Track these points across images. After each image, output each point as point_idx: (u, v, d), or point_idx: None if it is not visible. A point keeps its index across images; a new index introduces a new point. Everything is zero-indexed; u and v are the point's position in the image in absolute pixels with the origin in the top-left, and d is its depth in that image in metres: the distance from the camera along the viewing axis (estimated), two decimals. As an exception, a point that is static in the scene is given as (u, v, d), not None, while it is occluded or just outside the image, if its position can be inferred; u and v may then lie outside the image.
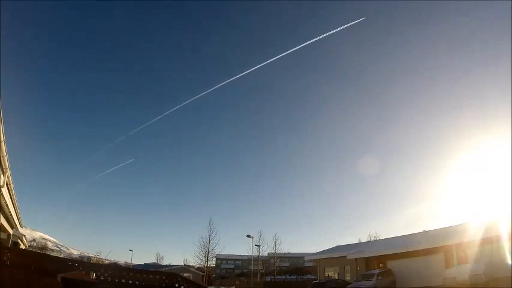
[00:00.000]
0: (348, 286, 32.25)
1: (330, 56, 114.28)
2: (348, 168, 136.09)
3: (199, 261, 62.59)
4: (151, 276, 13.59)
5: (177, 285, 13.42)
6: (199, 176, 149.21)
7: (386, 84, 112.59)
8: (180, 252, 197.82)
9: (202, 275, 68.03)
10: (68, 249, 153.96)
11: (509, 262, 20.95)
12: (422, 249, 31.06)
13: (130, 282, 12.68)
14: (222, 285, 69.37)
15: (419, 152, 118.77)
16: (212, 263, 77.78)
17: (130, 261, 78.93)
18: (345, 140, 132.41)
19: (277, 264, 70.38)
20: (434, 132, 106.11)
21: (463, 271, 24.49)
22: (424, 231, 40.07)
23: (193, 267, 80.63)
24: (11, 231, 27.08)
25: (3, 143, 12.22)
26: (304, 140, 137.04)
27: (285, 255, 76.90)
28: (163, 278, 13.51)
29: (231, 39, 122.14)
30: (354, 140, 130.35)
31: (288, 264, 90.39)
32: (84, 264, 14.91)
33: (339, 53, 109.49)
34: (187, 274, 66.50)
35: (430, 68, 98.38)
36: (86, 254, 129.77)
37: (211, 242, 59.46)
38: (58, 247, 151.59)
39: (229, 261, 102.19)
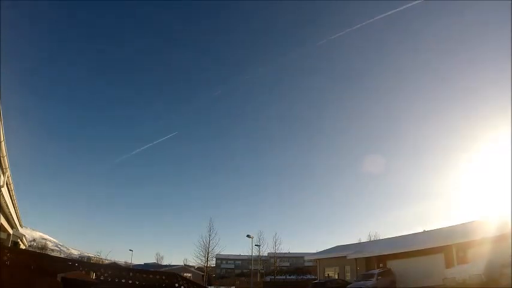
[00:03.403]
0: (348, 286, 32.23)
1: (334, 55, 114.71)
2: (349, 169, 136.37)
3: (199, 261, 63.11)
4: (151, 276, 13.58)
5: (177, 285, 13.42)
6: (199, 176, 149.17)
7: (389, 85, 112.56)
8: (180, 252, 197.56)
9: (203, 275, 68.07)
10: (68, 249, 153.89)
11: (510, 262, 20.91)
12: (422, 249, 31.07)
13: (130, 282, 12.68)
14: (222, 285, 69.39)
15: (420, 152, 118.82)
16: (212, 263, 78.02)
17: (130, 261, 78.90)
18: (346, 139, 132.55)
19: (277, 264, 70.49)
20: (437, 133, 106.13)
21: (463, 271, 24.46)
22: (424, 231, 40.12)
23: (193, 267, 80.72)
24: (11, 231, 27.06)
25: (3, 143, 12.21)
26: (304, 140, 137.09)
27: (285, 255, 77.52)
28: (163, 278, 13.50)
29: (240, 39, 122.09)
30: (355, 140, 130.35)
31: (288, 264, 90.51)
32: (84, 264, 14.91)
33: (344, 53, 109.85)
34: (187, 274, 66.62)
35: (435, 69, 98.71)
36: (86, 254, 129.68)
37: (211, 242, 59.91)
38: (58, 247, 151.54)
39: (229, 261, 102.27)
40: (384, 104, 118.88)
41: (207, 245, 59.77)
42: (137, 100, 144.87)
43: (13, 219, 24.71)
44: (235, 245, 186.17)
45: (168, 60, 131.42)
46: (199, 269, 76.57)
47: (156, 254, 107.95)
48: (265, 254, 73.86)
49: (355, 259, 39.70)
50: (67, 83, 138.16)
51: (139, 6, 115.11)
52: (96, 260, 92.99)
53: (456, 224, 35.35)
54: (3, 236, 25.51)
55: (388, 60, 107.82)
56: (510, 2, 38.45)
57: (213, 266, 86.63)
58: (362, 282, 31.09)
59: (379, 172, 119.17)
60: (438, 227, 38.49)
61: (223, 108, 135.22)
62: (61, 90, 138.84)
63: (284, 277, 77.13)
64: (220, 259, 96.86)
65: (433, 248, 30.24)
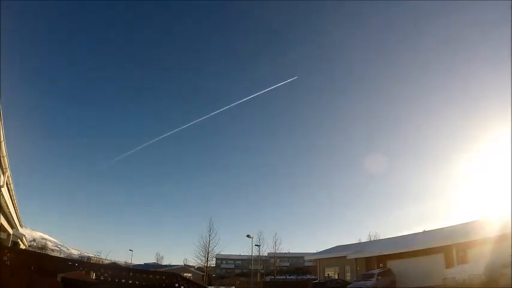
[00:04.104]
0: (348, 286, 32.24)
1: (333, 54, 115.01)
2: (349, 168, 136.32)
3: (200, 261, 63.28)
4: (151, 276, 13.61)
5: (177, 285, 13.45)
6: (199, 176, 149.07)
7: (389, 84, 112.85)
8: (180, 252, 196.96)
9: (202, 275, 68.11)
10: (68, 249, 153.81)
11: (510, 262, 20.93)
12: (422, 249, 31.08)
13: (130, 282, 12.70)
14: (222, 285, 69.46)
15: (420, 152, 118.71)
16: (212, 263, 78.05)
17: (130, 261, 78.94)
18: (346, 139, 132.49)
19: (277, 264, 70.60)
20: (437, 133, 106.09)
21: (463, 271, 24.48)
22: (424, 231, 40.14)
23: (193, 267, 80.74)
24: (11, 231, 27.08)
25: (3, 143, 12.22)
26: (304, 139, 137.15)
27: (285, 255, 77.77)
28: (163, 278, 13.53)
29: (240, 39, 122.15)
30: (355, 140, 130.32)
31: (288, 264, 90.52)
32: (84, 264, 14.92)
33: (343, 51, 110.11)
34: (187, 274, 66.67)
35: (435, 68, 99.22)
36: (86, 254, 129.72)
37: (211, 242, 60.07)
38: (58, 247, 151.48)
39: (229, 261, 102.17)
40: (383, 103, 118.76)
41: (207, 245, 60.02)
42: (137, 98, 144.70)
43: (13, 219, 24.72)
44: (236, 245, 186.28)
45: (167, 60, 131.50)
46: (199, 269, 76.61)
47: (156, 254, 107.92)
48: (265, 254, 74.16)
49: (355, 259, 39.69)
50: (66, 83, 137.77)
51: (139, 6, 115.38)
52: (96, 260, 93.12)
53: (456, 224, 35.45)
54: (3, 236, 25.51)
55: (388, 60, 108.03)
56: (510, 2, 38.51)
57: (213, 266, 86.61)
58: (362, 282, 31.10)
59: (379, 172, 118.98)
60: (438, 227, 38.57)
61: (223, 107, 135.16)
62: (61, 90, 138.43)
63: (284, 277, 77.22)
64: (220, 259, 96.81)
65: (433, 248, 30.27)
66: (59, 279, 8.62)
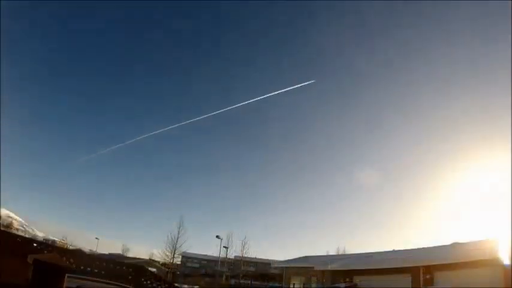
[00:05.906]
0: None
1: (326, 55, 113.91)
2: (328, 179, 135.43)
3: (166, 257, 63.99)
4: (118, 267, 13.25)
5: (143, 279, 13.15)
6: (174, 175, 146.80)
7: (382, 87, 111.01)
8: (146, 246, 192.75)
9: (167, 271, 67.55)
10: (33, 230, 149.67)
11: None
12: (390, 268, 31.09)
13: (96, 271, 12.29)
14: (186, 284, 68.79)
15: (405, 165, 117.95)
16: (178, 260, 77.41)
17: (95, 250, 77.20)
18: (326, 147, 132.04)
19: (243, 268, 70.45)
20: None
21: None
22: (394, 251, 40.30)
23: (158, 262, 79.61)
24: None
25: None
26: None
27: (252, 260, 77.98)
28: (131, 270, 13.19)
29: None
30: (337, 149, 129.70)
31: (253, 269, 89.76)
32: (54, 248, 14.35)
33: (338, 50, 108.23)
34: (152, 269, 65.64)
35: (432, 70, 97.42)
36: (51, 238, 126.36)
37: (179, 239, 61.37)
38: (23, 227, 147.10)
39: (195, 261, 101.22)
40: (376, 108, 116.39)
41: (175, 242, 61.35)
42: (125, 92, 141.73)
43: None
44: (203, 244, 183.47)
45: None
46: (164, 265, 75.73)
47: (123, 245, 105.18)
48: (233, 256, 73.60)
49: (322, 271, 39.18)
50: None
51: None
52: (61, 245, 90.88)
53: (426, 246, 35.70)
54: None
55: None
56: (510, 1, 39.61)
57: (178, 263, 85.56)
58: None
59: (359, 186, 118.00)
60: (408, 248, 38.71)
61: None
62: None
63: (249, 282, 77.06)
64: (186, 257, 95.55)
65: (401, 267, 30.22)
66: (29, 260, 8.07)
